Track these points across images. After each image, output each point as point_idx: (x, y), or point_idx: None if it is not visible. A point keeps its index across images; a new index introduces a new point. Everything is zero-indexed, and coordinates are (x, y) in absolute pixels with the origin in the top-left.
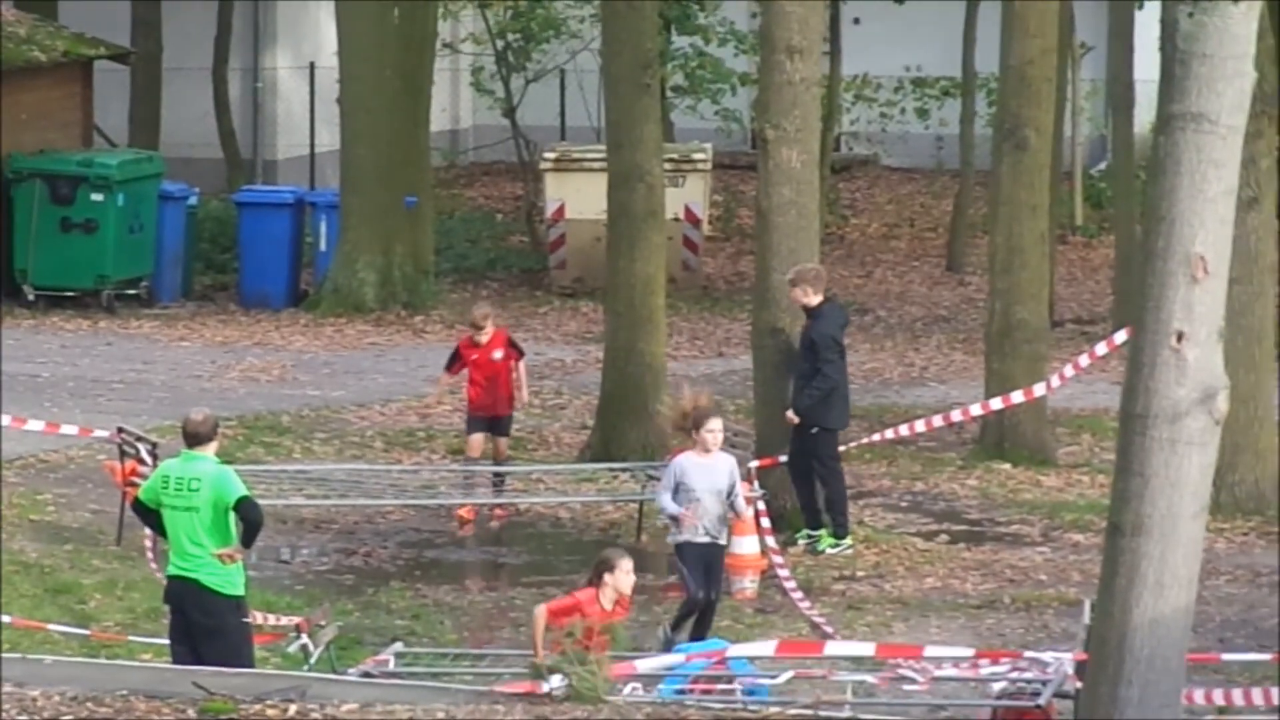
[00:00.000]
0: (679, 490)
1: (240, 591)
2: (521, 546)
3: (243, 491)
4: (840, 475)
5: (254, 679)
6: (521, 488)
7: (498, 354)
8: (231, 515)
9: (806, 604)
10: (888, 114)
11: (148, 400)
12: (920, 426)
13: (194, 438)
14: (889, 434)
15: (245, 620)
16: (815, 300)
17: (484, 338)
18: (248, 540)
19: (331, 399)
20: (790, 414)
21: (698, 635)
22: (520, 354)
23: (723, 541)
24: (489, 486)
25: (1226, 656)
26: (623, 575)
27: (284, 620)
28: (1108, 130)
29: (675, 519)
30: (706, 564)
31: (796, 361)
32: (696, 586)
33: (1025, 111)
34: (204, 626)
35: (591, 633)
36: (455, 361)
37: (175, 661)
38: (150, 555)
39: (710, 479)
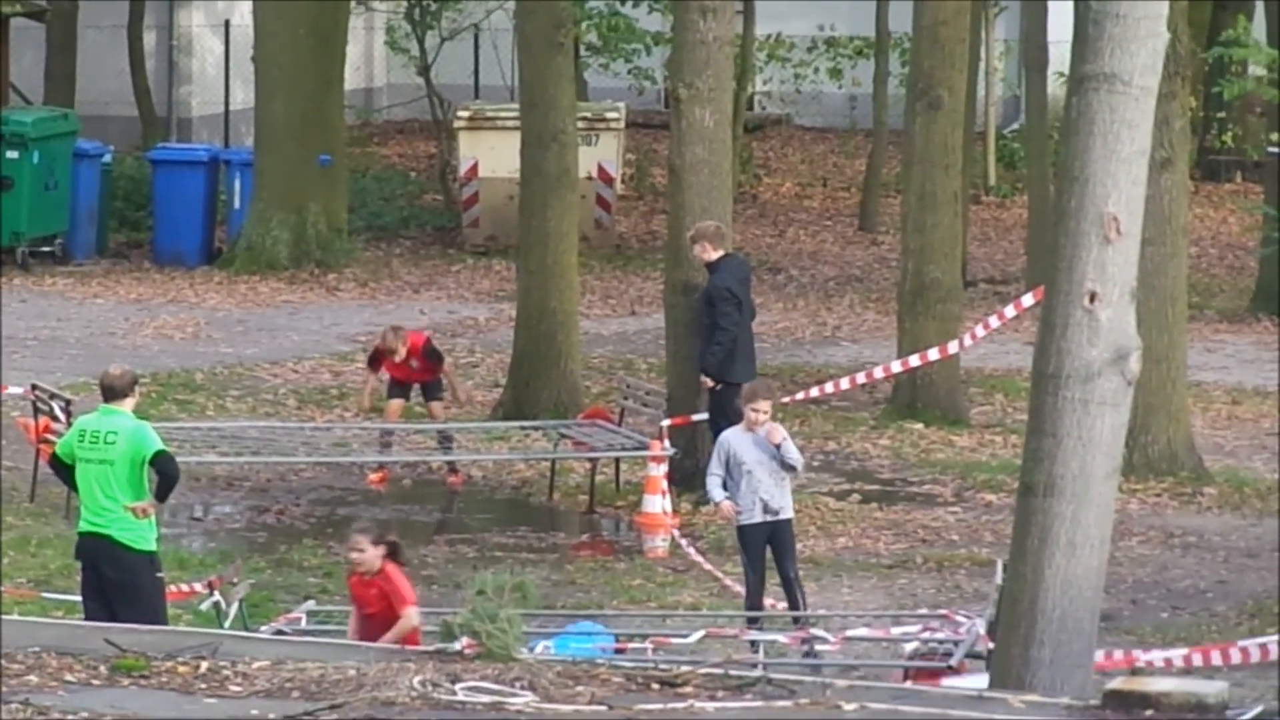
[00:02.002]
0: (730, 465)
1: (153, 547)
2: (433, 504)
3: (160, 446)
4: None
5: (166, 636)
6: (432, 445)
7: (414, 364)
8: (146, 470)
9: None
10: (801, 74)
11: (62, 357)
12: (845, 384)
13: (111, 391)
14: (814, 392)
15: (158, 576)
16: (715, 255)
17: (400, 355)
18: (163, 494)
19: (245, 356)
20: (705, 380)
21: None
22: (440, 361)
23: (786, 515)
24: (401, 449)
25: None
26: (350, 550)
27: (198, 586)
28: (1021, 91)
29: (719, 505)
30: (770, 540)
31: (700, 319)
32: (755, 577)
33: (938, 71)
34: (116, 582)
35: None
36: (376, 360)
37: (87, 618)
38: None
39: (759, 451)
